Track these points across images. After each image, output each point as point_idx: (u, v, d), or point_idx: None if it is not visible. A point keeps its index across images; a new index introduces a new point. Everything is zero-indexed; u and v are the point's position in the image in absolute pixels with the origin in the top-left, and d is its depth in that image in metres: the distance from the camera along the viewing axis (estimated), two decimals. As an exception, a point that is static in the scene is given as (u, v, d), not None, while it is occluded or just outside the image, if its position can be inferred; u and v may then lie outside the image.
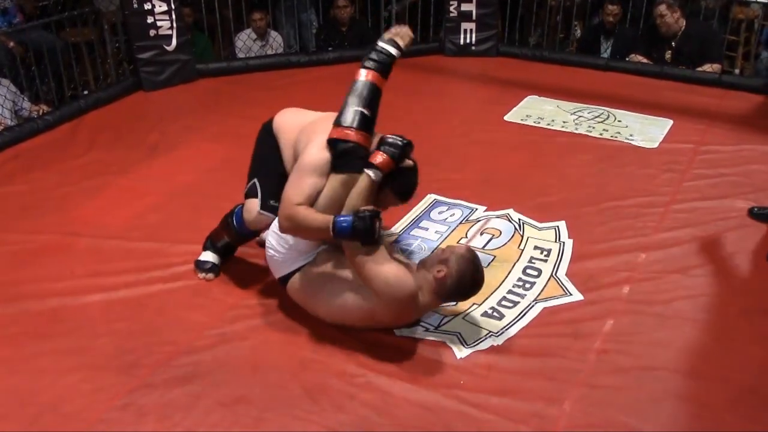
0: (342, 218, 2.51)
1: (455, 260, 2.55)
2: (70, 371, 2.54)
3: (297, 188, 2.60)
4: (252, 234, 3.05)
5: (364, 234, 2.48)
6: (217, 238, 3.15)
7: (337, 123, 2.64)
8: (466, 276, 2.55)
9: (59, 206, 3.69)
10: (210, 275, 3.09)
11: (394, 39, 2.78)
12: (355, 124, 2.62)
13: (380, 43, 2.77)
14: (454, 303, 2.80)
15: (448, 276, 2.52)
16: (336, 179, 2.60)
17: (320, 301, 2.67)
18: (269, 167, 2.91)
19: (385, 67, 2.75)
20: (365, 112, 2.65)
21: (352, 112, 2.64)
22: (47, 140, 4.57)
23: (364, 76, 2.71)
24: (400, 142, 2.63)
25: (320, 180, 2.60)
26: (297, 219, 2.56)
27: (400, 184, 2.70)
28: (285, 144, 2.88)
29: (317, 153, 2.63)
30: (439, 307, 2.75)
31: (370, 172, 2.57)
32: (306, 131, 2.78)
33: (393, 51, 2.76)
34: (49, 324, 2.80)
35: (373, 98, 2.69)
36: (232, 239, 3.11)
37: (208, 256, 3.14)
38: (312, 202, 2.59)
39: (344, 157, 2.59)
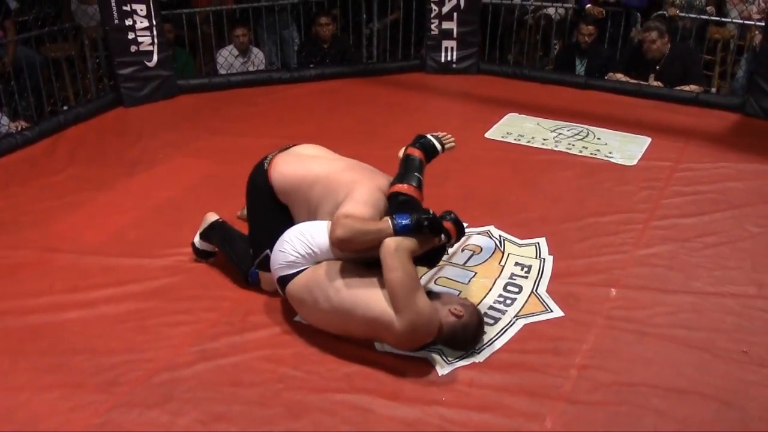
0: (398, 217, 2.61)
1: (472, 310, 2.65)
2: (47, 389, 2.51)
3: (349, 206, 2.68)
4: None
5: (428, 225, 2.59)
6: (215, 243, 3.22)
7: (404, 182, 2.81)
8: (473, 325, 2.63)
9: (38, 222, 3.66)
10: (211, 259, 3.28)
11: (442, 140, 3.01)
12: (414, 183, 2.81)
13: (429, 136, 2.99)
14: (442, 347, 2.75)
15: (461, 320, 2.58)
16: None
17: (325, 303, 2.62)
18: (280, 234, 2.85)
19: (430, 155, 2.97)
20: (421, 178, 2.85)
21: (414, 177, 2.84)
22: (26, 156, 4.54)
23: (416, 153, 2.92)
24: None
25: (372, 214, 2.70)
26: (352, 225, 2.59)
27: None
28: (296, 202, 2.91)
29: (373, 192, 2.78)
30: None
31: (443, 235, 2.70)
32: (329, 185, 2.83)
33: (438, 148, 3.00)
34: (27, 341, 2.77)
35: (423, 171, 2.90)
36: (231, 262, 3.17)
37: (206, 246, 3.26)
38: None
39: (405, 204, 2.73)
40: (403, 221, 2.58)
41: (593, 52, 6.05)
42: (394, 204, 2.74)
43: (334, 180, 2.84)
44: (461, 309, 2.60)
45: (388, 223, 2.59)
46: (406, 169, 2.86)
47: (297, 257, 2.71)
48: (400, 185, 2.79)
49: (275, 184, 2.93)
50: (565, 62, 6.22)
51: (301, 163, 2.96)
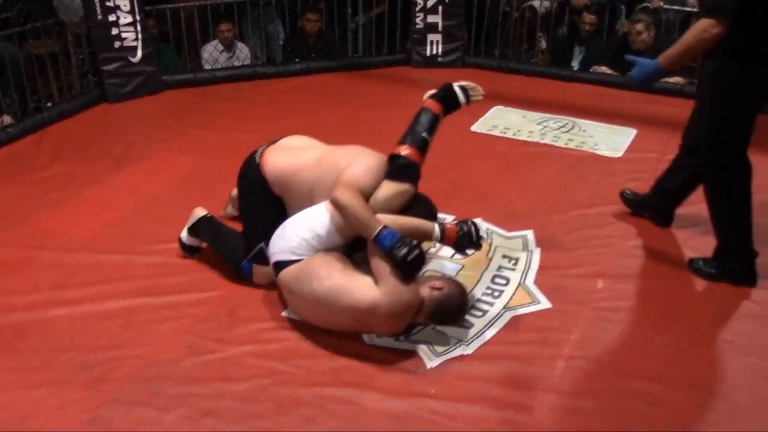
0: (389, 232, 2.59)
1: (451, 284, 2.69)
2: (34, 387, 2.50)
3: (363, 176, 2.73)
4: None
5: (402, 263, 2.55)
6: (203, 238, 3.21)
7: (403, 142, 2.84)
8: (455, 296, 2.65)
9: (23, 219, 3.63)
10: (197, 255, 3.27)
11: (468, 90, 2.99)
12: (419, 147, 2.83)
13: (455, 86, 2.97)
14: (434, 326, 2.79)
15: (441, 292, 2.62)
16: (394, 187, 2.76)
17: (310, 294, 2.64)
18: (274, 227, 2.88)
19: (450, 107, 2.96)
20: (428, 138, 2.86)
21: (418, 137, 2.85)
22: (10, 153, 4.51)
23: (432, 107, 2.92)
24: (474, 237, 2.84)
25: (376, 182, 2.75)
26: (354, 201, 2.62)
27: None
28: (293, 192, 2.92)
29: (379, 159, 2.82)
30: (412, 329, 2.76)
31: (437, 229, 2.75)
32: (322, 167, 2.86)
33: (462, 99, 2.98)
34: (13, 339, 2.75)
35: (435, 128, 2.92)
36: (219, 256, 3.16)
37: (194, 241, 3.25)
38: (365, 196, 2.70)
39: (404, 169, 2.77)
40: (385, 243, 2.56)
41: (592, 42, 6.09)
42: (393, 167, 2.79)
43: (326, 160, 2.88)
44: (440, 282, 2.66)
45: (377, 226, 2.59)
46: (415, 127, 2.87)
47: (300, 242, 2.72)
48: (403, 146, 2.81)
49: (269, 176, 2.95)
50: (563, 51, 6.23)
51: (293, 154, 2.99)
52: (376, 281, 2.59)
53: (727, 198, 3.02)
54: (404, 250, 2.54)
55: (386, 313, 2.56)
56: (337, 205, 2.65)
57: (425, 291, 2.63)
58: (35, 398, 2.45)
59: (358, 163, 2.79)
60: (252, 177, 3.00)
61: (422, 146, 2.84)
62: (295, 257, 2.72)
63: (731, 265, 3.08)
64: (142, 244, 3.38)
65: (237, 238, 3.08)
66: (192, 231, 3.22)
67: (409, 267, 2.56)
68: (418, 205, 2.86)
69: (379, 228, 2.59)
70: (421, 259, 2.59)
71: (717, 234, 3.10)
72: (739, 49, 2.74)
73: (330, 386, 2.50)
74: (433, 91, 3.03)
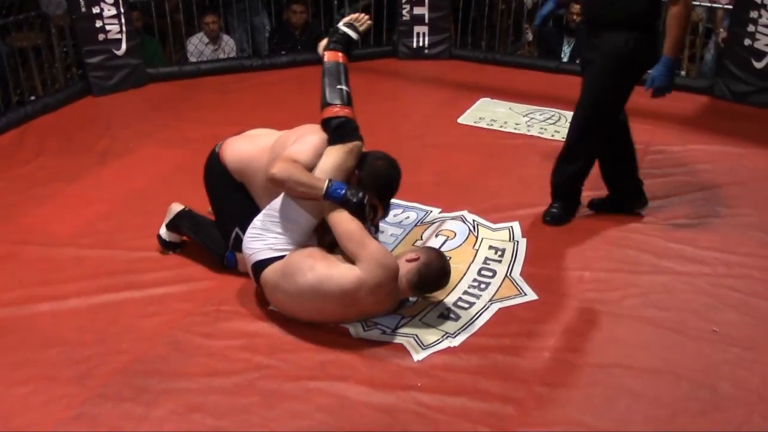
0: (338, 184, 2.65)
1: (426, 250, 2.77)
2: (19, 383, 2.48)
3: (298, 150, 2.74)
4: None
5: (355, 204, 2.66)
6: (184, 231, 3.20)
7: (326, 103, 2.82)
8: (435, 262, 2.70)
9: (6, 214, 3.61)
10: (177, 250, 3.26)
11: (353, 24, 2.99)
12: (342, 102, 2.83)
13: (341, 27, 2.97)
14: (425, 295, 2.85)
15: (419, 261, 2.66)
16: (340, 148, 2.76)
17: (297, 288, 2.63)
18: (245, 213, 2.90)
19: (349, 48, 2.96)
20: (346, 89, 2.86)
21: (334, 91, 2.85)
22: (-7, 147, 4.47)
23: (333, 57, 2.91)
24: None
25: (315, 152, 2.75)
26: (290, 169, 2.65)
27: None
28: (254, 174, 2.91)
29: (318, 134, 2.81)
30: (404, 304, 2.83)
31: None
32: (283, 140, 2.86)
33: (353, 35, 2.98)
34: (-3, 335, 2.74)
35: (347, 76, 2.91)
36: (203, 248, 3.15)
37: (174, 237, 3.23)
38: (308, 168, 2.71)
39: (341, 129, 2.77)
40: (338, 192, 2.65)
41: (581, 33, 6.08)
42: (331, 131, 2.80)
43: (277, 145, 2.89)
44: (415, 254, 2.71)
45: (322, 183, 2.65)
46: (331, 84, 2.86)
47: (277, 237, 2.72)
48: (330, 108, 2.82)
49: (228, 164, 2.98)
50: (550, 42, 6.23)
51: (250, 142, 3.01)
52: (354, 261, 2.62)
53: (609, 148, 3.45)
54: (355, 197, 2.66)
55: (374, 285, 2.58)
56: (276, 182, 2.68)
57: (402, 265, 2.67)
58: (20, 395, 2.43)
59: (297, 140, 2.80)
60: (213, 168, 3.04)
61: (347, 99, 2.85)
62: (276, 254, 2.71)
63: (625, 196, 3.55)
64: (128, 239, 3.36)
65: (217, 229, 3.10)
66: (171, 226, 3.21)
67: (361, 208, 2.68)
68: (369, 156, 2.87)
69: (326, 183, 2.65)
70: (368, 201, 2.72)
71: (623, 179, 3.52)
72: (649, 21, 3.13)
73: (317, 380, 2.50)
74: (324, 43, 3.02)
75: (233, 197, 3.00)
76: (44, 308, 2.88)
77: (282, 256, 2.69)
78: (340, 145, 2.78)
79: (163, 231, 3.23)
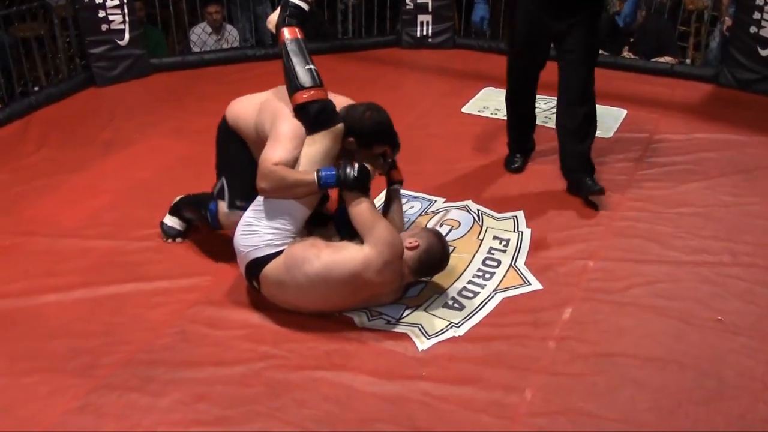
0: (325, 170, 2.61)
1: (424, 234, 2.74)
2: (25, 374, 2.49)
3: (275, 150, 2.64)
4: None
5: (356, 178, 2.60)
6: (184, 211, 3.19)
7: (298, 87, 2.69)
8: (434, 247, 2.70)
9: (11, 206, 3.61)
10: (178, 239, 3.25)
11: None
12: (314, 83, 2.70)
13: (292, 0, 2.84)
14: (427, 279, 2.88)
15: (418, 246, 2.66)
16: (326, 135, 2.67)
17: (305, 279, 2.60)
18: (234, 163, 2.92)
19: (303, 21, 2.83)
20: (314, 67, 2.73)
21: (304, 73, 2.71)
22: (-3, 138, 4.47)
23: (292, 34, 2.79)
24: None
25: (299, 147, 2.66)
26: (277, 176, 2.59)
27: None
28: (247, 131, 2.89)
29: (291, 121, 2.69)
30: (403, 293, 2.82)
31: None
32: (265, 110, 2.81)
33: (304, 6, 2.84)
34: (3, 326, 2.74)
35: (308, 52, 2.78)
36: (201, 224, 3.15)
37: (175, 222, 3.23)
38: (291, 166, 2.64)
39: (321, 115, 2.66)
40: (330, 180, 2.61)
41: None
42: (310, 119, 2.67)
43: (269, 101, 2.86)
44: (414, 240, 2.69)
45: (313, 176, 2.60)
46: (299, 64, 2.72)
47: (274, 232, 2.67)
48: (302, 92, 2.67)
49: (229, 119, 2.97)
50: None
51: (252, 99, 2.98)
52: (362, 241, 2.62)
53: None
54: (350, 173, 2.60)
55: (382, 264, 2.56)
56: (267, 194, 2.65)
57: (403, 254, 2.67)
58: (26, 385, 2.44)
59: (271, 135, 2.70)
60: (220, 126, 3.03)
61: (318, 80, 2.71)
62: (275, 249, 2.65)
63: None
64: (132, 230, 3.36)
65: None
66: (174, 211, 3.22)
67: (362, 180, 2.63)
68: (349, 115, 2.76)
69: (315, 176, 2.61)
70: (365, 168, 2.65)
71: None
72: None
73: (322, 369, 2.50)
74: (275, 18, 2.88)
75: (230, 149, 2.98)
76: (49, 299, 2.89)
77: (281, 251, 2.65)
78: (323, 132, 2.67)
79: (166, 218, 3.25)
